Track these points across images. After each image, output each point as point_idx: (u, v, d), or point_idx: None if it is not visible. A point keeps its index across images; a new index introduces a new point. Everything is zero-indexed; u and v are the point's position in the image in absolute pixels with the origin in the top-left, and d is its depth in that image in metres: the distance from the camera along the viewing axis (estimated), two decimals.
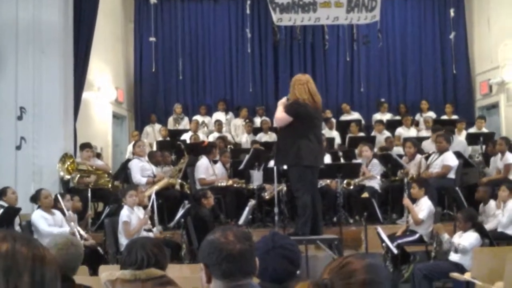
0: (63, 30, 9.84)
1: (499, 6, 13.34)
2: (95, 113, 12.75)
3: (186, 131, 13.10)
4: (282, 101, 7.16)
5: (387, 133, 12.61)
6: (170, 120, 14.16)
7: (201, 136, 12.91)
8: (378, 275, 1.78)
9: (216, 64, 15.28)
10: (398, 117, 13.82)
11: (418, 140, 10.83)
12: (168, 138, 12.60)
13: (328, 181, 9.41)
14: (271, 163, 8.79)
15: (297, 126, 6.90)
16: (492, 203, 8.25)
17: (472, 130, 12.35)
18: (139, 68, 15.24)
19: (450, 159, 9.26)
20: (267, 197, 9.39)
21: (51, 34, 9.69)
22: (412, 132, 12.67)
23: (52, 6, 9.72)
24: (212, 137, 12.72)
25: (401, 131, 12.67)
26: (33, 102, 9.54)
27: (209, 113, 14.41)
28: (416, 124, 13.34)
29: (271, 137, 12.45)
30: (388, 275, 1.88)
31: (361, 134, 12.59)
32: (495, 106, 13.96)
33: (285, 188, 8.56)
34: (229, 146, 11.58)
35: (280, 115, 7.00)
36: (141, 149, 9.71)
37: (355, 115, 13.97)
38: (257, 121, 13.87)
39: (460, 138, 11.52)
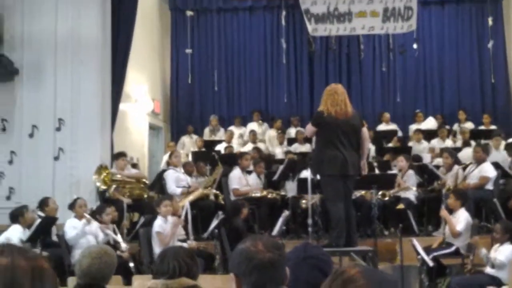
0: (101, 42, 10.03)
1: None
2: (132, 124, 12.90)
3: (220, 141, 13.16)
4: None
5: (425, 143, 12.47)
6: (206, 131, 14.24)
7: (236, 147, 12.94)
8: (376, 278, 1.72)
9: (252, 75, 15.35)
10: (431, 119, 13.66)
11: (455, 151, 10.67)
12: (203, 149, 12.66)
13: (363, 192, 9.32)
14: (305, 174, 8.76)
15: (320, 135, 6.99)
16: None
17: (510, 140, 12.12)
18: (176, 80, 15.40)
19: (488, 170, 9.09)
20: (303, 206, 9.30)
21: (89, 46, 9.90)
22: (447, 144, 12.45)
23: (90, 18, 9.93)
24: (247, 148, 12.73)
25: (435, 143, 12.45)
26: (71, 114, 9.74)
27: (244, 123, 14.44)
28: (453, 135, 13.12)
29: (306, 147, 12.41)
30: (393, 280, 1.77)
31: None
32: None
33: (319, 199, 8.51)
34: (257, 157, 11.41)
35: (308, 125, 7.18)
36: (178, 159, 9.80)
37: (393, 126, 13.79)
38: (292, 131, 13.85)
39: (501, 148, 11.28)
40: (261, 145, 13.08)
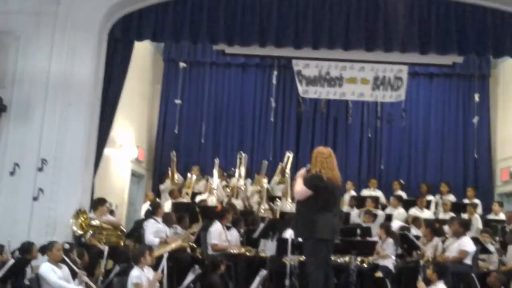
0: (92, 85, 10.07)
1: None
2: (114, 170, 12.82)
3: (200, 193, 13.08)
4: (301, 173, 7.11)
5: (401, 210, 12.49)
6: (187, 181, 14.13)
7: (210, 201, 12.79)
8: None
9: (239, 131, 15.45)
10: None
11: (437, 222, 10.69)
12: (184, 200, 12.56)
13: (344, 258, 9.23)
14: (286, 234, 8.70)
15: (315, 199, 6.86)
16: None
17: (490, 216, 12.20)
18: (162, 129, 15.42)
19: (467, 244, 9.08)
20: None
21: (81, 88, 9.91)
22: (426, 214, 12.45)
23: (84, 61, 9.98)
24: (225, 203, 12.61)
25: (415, 211, 12.46)
26: (55, 154, 9.66)
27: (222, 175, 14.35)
28: (435, 206, 13.16)
29: (292, 207, 12.28)
30: None
31: (379, 211, 12.35)
32: None
33: (297, 260, 8.42)
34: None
35: (300, 188, 6.95)
36: (162, 210, 9.80)
37: (378, 193, 13.80)
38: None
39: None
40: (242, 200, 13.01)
